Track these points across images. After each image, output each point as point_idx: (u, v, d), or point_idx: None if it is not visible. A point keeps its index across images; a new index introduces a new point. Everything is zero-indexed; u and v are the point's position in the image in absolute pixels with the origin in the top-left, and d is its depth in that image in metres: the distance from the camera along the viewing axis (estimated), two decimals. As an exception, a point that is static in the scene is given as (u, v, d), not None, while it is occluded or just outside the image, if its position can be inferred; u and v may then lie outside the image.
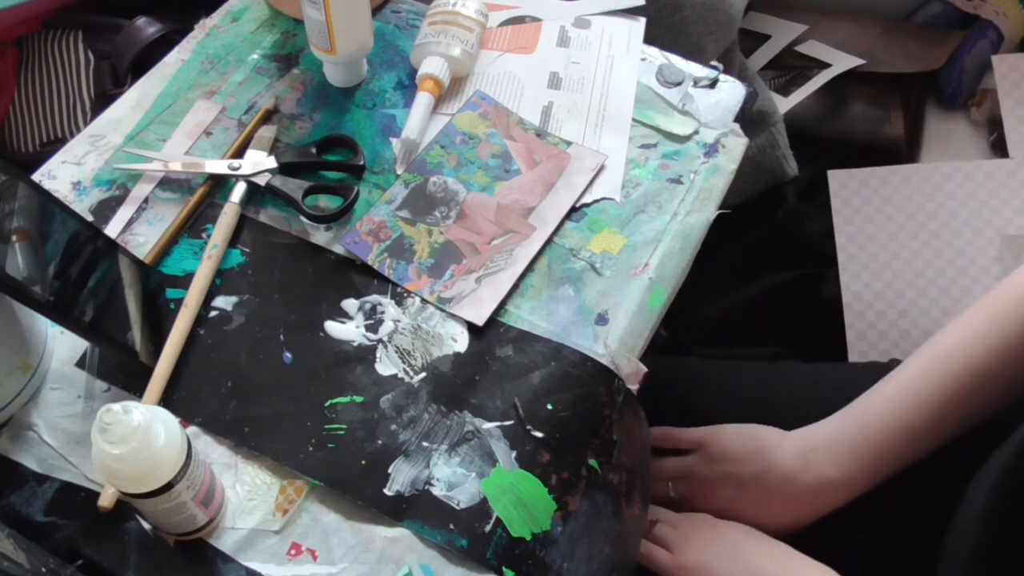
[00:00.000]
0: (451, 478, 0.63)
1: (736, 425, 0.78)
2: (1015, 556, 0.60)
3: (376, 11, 0.88)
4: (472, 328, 0.69)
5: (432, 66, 0.80)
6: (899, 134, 1.27)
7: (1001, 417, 0.72)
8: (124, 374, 0.66)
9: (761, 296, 1.17)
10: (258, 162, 0.76)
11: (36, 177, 0.76)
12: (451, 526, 0.61)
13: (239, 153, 0.78)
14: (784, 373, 0.89)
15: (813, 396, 0.77)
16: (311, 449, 0.64)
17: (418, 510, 0.62)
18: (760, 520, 0.73)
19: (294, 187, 0.75)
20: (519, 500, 0.62)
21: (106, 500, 0.60)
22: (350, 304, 0.71)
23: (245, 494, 0.63)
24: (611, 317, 0.70)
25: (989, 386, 0.69)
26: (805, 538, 0.72)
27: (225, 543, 0.61)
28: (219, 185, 0.76)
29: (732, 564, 0.70)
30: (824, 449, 0.72)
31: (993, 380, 0.69)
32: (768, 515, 0.73)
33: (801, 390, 0.83)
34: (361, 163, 0.77)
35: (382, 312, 0.70)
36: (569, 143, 0.79)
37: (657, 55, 0.86)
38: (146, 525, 0.61)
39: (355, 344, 0.69)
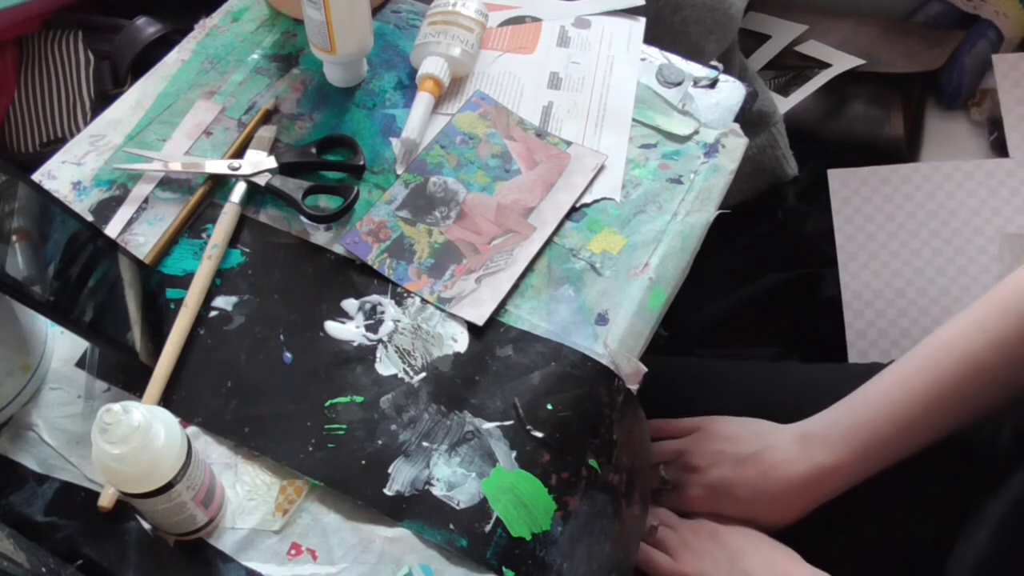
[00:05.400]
0: (451, 478, 0.63)
1: (733, 416, 0.78)
2: None
3: (376, 11, 0.88)
4: (472, 328, 0.69)
5: (432, 66, 0.80)
6: (899, 134, 1.27)
7: (1001, 423, 0.72)
8: (124, 374, 0.66)
9: (761, 296, 1.17)
10: (258, 162, 0.76)
11: (36, 177, 0.76)
12: (451, 526, 0.61)
13: (239, 153, 0.78)
14: (784, 373, 0.89)
15: (813, 397, 0.77)
16: (311, 449, 0.64)
17: (418, 510, 0.62)
18: (751, 507, 0.73)
19: (294, 187, 0.75)
20: (519, 500, 0.62)
21: (106, 500, 0.60)
22: (350, 304, 0.71)
23: (245, 494, 0.63)
24: (611, 317, 0.70)
25: (985, 381, 0.69)
26: (808, 545, 0.71)
27: (225, 543, 0.61)
28: (219, 185, 0.76)
29: (731, 575, 0.70)
30: (819, 437, 0.73)
31: (989, 376, 0.69)
32: (760, 502, 0.73)
33: (801, 390, 0.83)
34: (361, 163, 0.77)
35: (382, 312, 0.70)
36: (569, 143, 0.79)
37: (657, 55, 0.86)
38: (146, 525, 0.61)
39: (355, 344, 0.69)
